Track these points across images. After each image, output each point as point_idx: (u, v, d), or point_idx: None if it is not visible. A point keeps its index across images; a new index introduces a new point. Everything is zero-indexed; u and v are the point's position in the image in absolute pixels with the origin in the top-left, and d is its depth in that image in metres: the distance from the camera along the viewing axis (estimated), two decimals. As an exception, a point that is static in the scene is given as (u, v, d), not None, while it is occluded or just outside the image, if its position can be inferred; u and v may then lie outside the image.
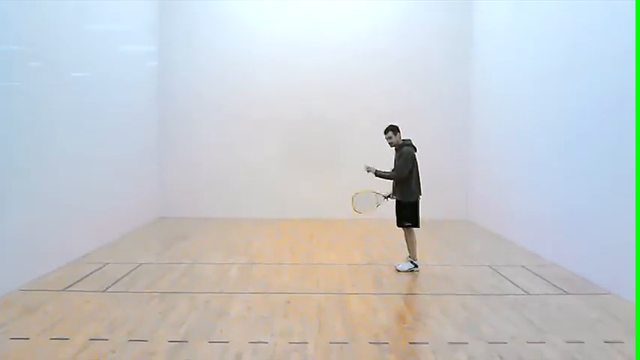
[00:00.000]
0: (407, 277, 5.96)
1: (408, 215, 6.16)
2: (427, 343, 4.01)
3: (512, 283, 5.73)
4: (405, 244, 6.29)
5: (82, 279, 5.71)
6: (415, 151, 6.22)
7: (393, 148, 6.26)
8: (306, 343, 3.99)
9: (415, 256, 6.18)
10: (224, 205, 10.35)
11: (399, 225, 6.26)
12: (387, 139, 6.20)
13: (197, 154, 10.40)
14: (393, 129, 6.18)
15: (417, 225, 6.19)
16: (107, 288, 5.41)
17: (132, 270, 6.12)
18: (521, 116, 7.89)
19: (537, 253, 7.09)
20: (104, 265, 6.31)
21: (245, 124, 10.37)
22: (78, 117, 6.80)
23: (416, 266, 6.14)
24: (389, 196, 6.27)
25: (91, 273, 5.96)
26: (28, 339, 4.00)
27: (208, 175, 10.41)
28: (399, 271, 6.12)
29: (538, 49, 7.31)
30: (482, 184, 9.65)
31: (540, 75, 7.23)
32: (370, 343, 4.02)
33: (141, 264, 6.43)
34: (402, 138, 6.24)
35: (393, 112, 9.62)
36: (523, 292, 5.38)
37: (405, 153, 6.10)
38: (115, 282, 5.63)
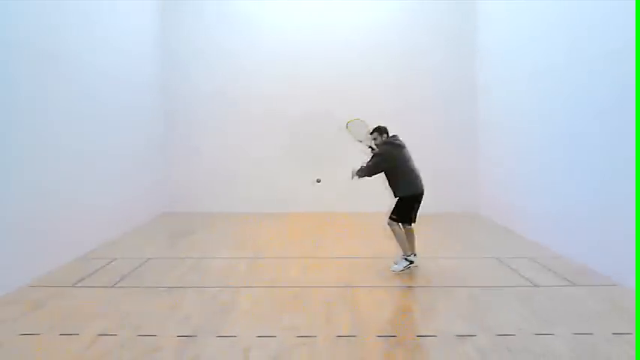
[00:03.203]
0: (414, 270, 5.92)
1: (395, 210, 5.86)
2: (435, 336, 4.01)
3: (519, 275, 5.71)
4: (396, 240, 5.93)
5: (90, 275, 5.75)
6: (400, 147, 5.82)
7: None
8: (314, 336, 3.99)
9: (406, 250, 5.85)
10: (229, 200, 10.35)
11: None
12: (372, 139, 5.93)
13: (202, 150, 10.42)
14: (379, 130, 5.90)
15: (402, 221, 5.84)
16: (115, 283, 5.44)
17: (139, 265, 6.16)
18: (528, 110, 7.80)
19: (545, 245, 7.05)
20: (112, 261, 6.34)
21: (249, 120, 10.36)
22: (83, 113, 6.82)
23: (411, 262, 5.84)
24: (370, 147, 5.96)
25: (99, 269, 6.00)
26: (37, 334, 4.04)
27: (213, 171, 10.42)
28: (393, 271, 5.82)
29: (545, 42, 7.21)
30: (490, 178, 9.60)
31: (546, 69, 7.14)
32: (378, 336, 4.02)
33: (148, 259, 6.46)
34: (387, 137, 5.90)
35: (397, 107, 9.60)
36: (531, 284, 5.36)
37: (376, 153, 5.80)
38: (123, 277, 5.66)
